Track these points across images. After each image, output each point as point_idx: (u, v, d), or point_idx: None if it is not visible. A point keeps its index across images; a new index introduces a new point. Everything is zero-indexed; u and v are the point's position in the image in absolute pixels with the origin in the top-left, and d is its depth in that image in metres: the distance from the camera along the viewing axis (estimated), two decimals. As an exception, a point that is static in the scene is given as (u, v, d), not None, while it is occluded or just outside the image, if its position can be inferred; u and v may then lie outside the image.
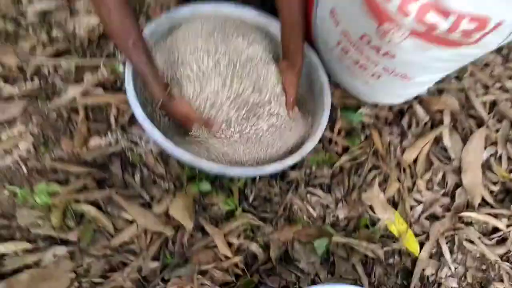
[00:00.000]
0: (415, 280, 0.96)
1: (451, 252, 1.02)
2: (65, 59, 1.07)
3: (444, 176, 1.12)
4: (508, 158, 1.14)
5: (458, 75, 1.24)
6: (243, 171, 0.90)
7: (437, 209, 1.07)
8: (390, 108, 1.16)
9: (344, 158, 1.07)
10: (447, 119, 1.16)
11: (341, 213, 1.01)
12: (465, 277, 1.00)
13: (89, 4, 1.15)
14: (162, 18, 0.99)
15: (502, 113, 1.19)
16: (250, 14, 1.06)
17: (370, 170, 1.07)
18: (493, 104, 1.21)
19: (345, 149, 1.10)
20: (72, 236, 0.86)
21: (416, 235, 1.02)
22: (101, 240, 0.88)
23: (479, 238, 1.03)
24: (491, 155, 1.14)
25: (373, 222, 1.01)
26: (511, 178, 1.10)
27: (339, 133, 1.12)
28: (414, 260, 1.00)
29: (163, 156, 0.99)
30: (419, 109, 1.16)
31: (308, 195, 1.02)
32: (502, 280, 1.00)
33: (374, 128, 1.12)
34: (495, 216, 1.05)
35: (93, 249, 0.86)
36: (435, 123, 1.17)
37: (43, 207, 0.86)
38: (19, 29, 1.12)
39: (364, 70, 0.97)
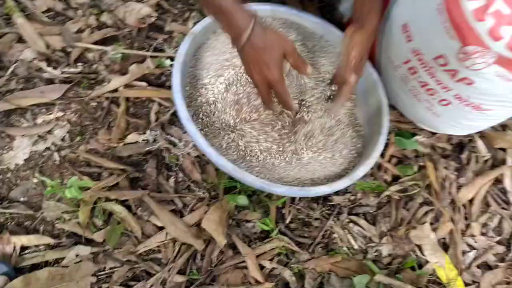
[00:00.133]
0: (460, 335, 0.87)
1: (502, 307, 0.92)
2: (111, 47, 1.03)
3: (500, 222, 1.01)
4: None
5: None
6: (288, 190, 0.82)
7: (491, 258, 0.97)
8: (449, 139, 1.06)
9: (394, 188, 0.98)
10: (510, 159, 1.06)
11: (385, 249, 0.92)
12: (516, 338, 0.89)
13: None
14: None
15: None
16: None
17: (421, 205, 0.98)
18: None
19: (395, 178, 1.01)
20: (97, 237, 0.80)
21: (465, 284, 0.92)
22: (127, 244, 0.82)
23: (536, 296, 0.92)
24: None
25: (420, 264, 0.92)
26: None
27: (390, 160, 1.03)
28: (461, 312, 0.90)
29: (201, 162, 0.92)
30: (480, 144, 1.06)
31: (351, 224, 0.94)
32: None
33: (430, 159, 1.03)
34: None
35: (118, 253, 0.80)
36: (496, 162, 1.06)
37: (71, 202, 0.81)
38: (68, 9, 1.08)
39: (431, 95, 0.88)
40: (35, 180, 0.84)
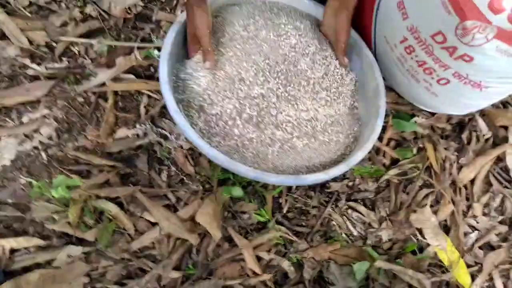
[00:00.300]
0: (463, 317, 0.85)
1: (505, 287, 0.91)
2: (97, 39, 0.99)
3: (503, 201, 0.99)
4: None
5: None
6: (283, 179, 0.79)
7: (493, 238, 0.96)
8: (449, 119, 1.03)
9: (392, 172, 0.96)
10: (512, 137, 1.03)
11: (385, 235, 0.91)
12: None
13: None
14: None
15: None
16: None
17: (421, 188, 0.96)
18: None
19: (394, 162, 0.98)
20: (89, 236, 0.78)
21: (468, 265, 0.91)
22: (120, 242, 0.80)
23: (541, 275, 0.90)
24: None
25: (421, 248, 0.90)
26: None
27: (388, 143, 1.00)
28: (464, 295, 0.88)
29: (194, 154, 0.90)
30: (481, 123, 1.03)
31: (349, 211, 0.92)
32: None
33: (429, 141, 1.00)
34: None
35: (111, 252, 0.79)
36: (498, 140, 1.03)
37: (60, 201, 0.79)
38: (50, 3, 1.05)
39: (429, 75, 0.85)
40: (22, 181, 0.82)
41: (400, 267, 0.86)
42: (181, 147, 0.90)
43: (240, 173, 0.76)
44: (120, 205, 0.83)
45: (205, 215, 0.82)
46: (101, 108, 0.92)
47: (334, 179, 0.93)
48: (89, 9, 1.05)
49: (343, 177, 0.94)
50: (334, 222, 0.90)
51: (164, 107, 0.93)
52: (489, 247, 0.95)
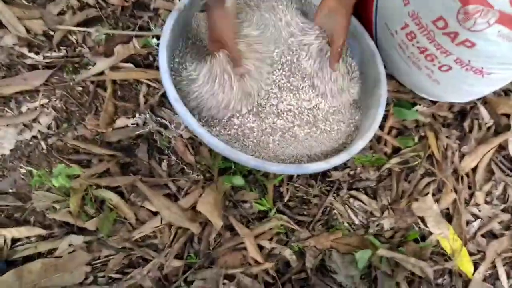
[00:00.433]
0: (466, 305, 0.85)
1: (508, 276, 0.91)
2: (95, 28, 0.98)
3: (505, 189, 0.99)
4: None
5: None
6: (284, 168, 0.79)
7: (496, 226, 0.96)
8: (450, 107, 1.03)
9: (394, 160, 0.95)
10: (514, 125, 1.02)
11: (387, 223, 0.90)
12: (524, 307, 0.88)
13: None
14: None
15: None
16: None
17: (422, 177, 0.95)
18: None
19: (396, 151, 0.98)
20: (90, 225, 0.78)
21: (470, 254, 0.91)
22: (121, 231, 0.80)
23: (544, 264, 0.91)
24: None
25: (423, 236, 0.90)
26: None
27: (389, 131, 0.99)
28: (467, 282, 0.89)
29: (194, 143, 0.89)
30: (483, 111, 1.03)
31: (351, 200, 0.92)
32: None
33: (430, 129, 0.99)
34: None
35: (112, 241, 0.78)
36: (500, 128, 1.03)
37: (60, 190, 0.78)
38: (48, -9, 1.03)
39: (430, 61, 0.84)
40: (23, 171, 0.81)
41: (403, 255, 0.85)
42: (181, 136, 0.89)
43: (241, 162, 0.76)
44: (120, 194, 0.82)
45: (206, 204, 0.82)
46: (100, 97, 0.91)
47: (336, 168, 0.93)
48: (86, -3, 1.03)
49: (344, 166, 0.94)
50: (335, 211, 0.90)
51: (163, 96, 0.92)
52: (492, 235, 0.95)
